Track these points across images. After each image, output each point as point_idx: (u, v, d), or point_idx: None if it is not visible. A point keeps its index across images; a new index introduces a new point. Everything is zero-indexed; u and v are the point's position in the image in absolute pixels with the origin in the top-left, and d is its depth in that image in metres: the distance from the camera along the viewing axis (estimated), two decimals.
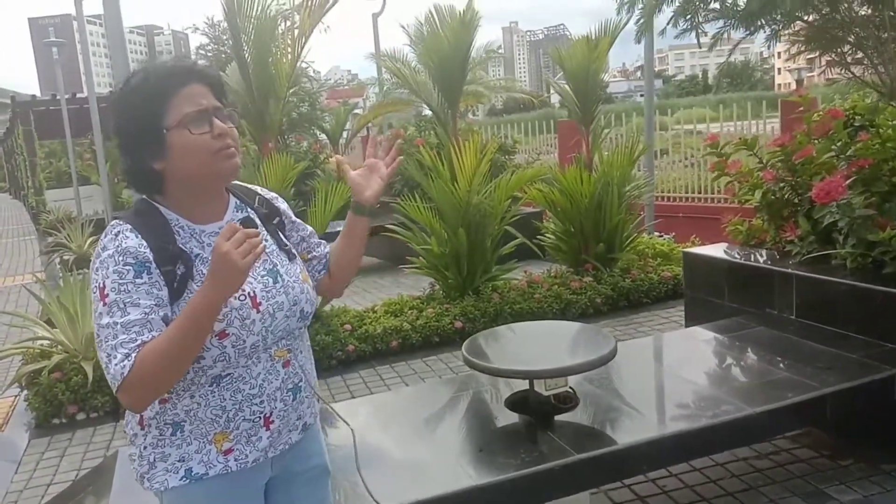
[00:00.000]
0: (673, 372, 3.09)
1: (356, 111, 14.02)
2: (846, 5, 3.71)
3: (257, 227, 1.51)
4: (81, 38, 11.10)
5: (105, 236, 1.43)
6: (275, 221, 1.64)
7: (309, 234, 1.75)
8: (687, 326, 4.48)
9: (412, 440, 2.65)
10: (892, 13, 3.67)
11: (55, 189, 16.99)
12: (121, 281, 1.36)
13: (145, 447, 1.49)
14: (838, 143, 3.80)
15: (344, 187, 5.74)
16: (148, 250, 1.39)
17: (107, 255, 1.39)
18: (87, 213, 13.75)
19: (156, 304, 1.38)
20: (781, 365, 3.01)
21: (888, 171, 3.63)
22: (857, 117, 4.11)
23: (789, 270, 3.65)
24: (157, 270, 1.39)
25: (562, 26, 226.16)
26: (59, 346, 4.60)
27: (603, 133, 6.79)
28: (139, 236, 1.40)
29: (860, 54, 3.82)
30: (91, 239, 10.34)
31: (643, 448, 2.42)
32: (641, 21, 4.10)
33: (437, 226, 5.70)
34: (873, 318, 3.21)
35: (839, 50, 3.87)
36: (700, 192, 9.47)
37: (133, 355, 1.32)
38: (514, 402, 2.83)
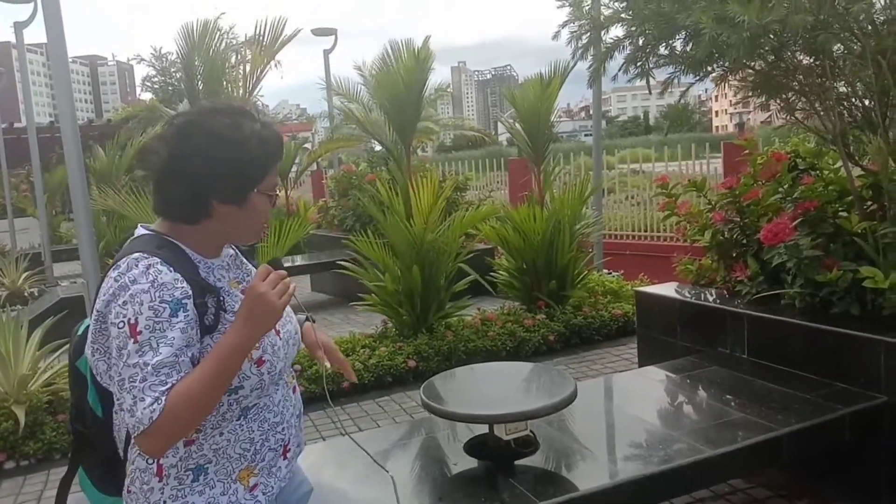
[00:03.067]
0: (630, 413, 3.07)
1: (305, 146, 13.93)
2: (790, 53, 3.84)
3: (284, 268, 1.48)
4: (21, 67, 10.77)
5: (129, 270, 1.35)
6: (249, 250, 1.70)
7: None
8: (640, 365, 4.50)
9: (367, 487, 2.55)
10: (831, 62, 3.82)
11: None
12: (156, 319, 1.31)
13: (163, 502, 1.41)
14: (785, 186, 3.90)
15: (295, 224, 5.65)
16: (186, 285, 1.36)
17: (139, 288, 1.32)
18: (23, 247, 13.20)
19: (186, 345, 1.34)
20: (736, 405, 3.02)
21: (832, 214, 3.75)
22: (799, 161, 4.25)
23: (740, 310, 3.70)
24: (193, 306, 1.36)
25: (509, 66, 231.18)
26: None
27: (554, 172, 6.87)
28: (173, 270, 1.36)
29: (804, 100, 3.96)
30: (25, 274, 9.90)
31: (604, 494, 2.37)
32: (592, 67, 4.17)
33: (390, 263, 5.63)
34: (824, 358, 3.26)
35: (784, 96, 4.00)
36: (646, 231, 9.64)
37: (163, 399, 1.27)
38: (473, 447, 2.75)
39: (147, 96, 15.96)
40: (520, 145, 6.80)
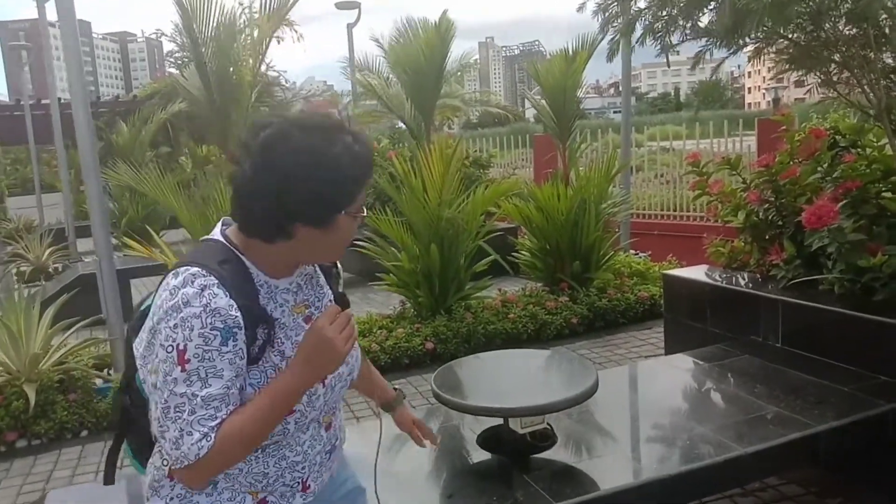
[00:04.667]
0: (656, 405, 2.89)
1: None
2: (830, 22, 3.58)
3: (349, 304, 1.42)
4: (45, 44, 10.73)
5: (184, 285, 1.25)
6: (333, 272, 1.55)
7: None
8: (667, 351, 4.32)
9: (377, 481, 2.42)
10: (876, 32, 3.56)
11: (19, 196, 16.45)
12: (206, 347, 1.23)
13: (171, 498, 1.39)
14: (824, 165, 3.66)
15: None
16: (238, 312, 1.26)
17: (190, 312, 1.23)
18: (50, 222, 13.30)
19: (236, 376, 1.26)
20: (769, 397, 2.83)
21: (875, 194, 3.51)
22: (839, 138, 4.00)
23: (775, 296, 3.50)
24: (244, 336, 1.27)
25: (537, 42, 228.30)
26: (0, 368, 4.28)
27: (580, 149, 6.64)
28: (228, 294, 1.25)
29: (846, 74, 3.70)
30: (50, 249, 9.94)
31: (627, 495, 2.21)
32: (613, 39, 3.95)
33: (408, 241, 5.48)
34: (863, 348, 3.06)
35: (824, 69, 3.75)
36: (676, 210, 9.36)
37: (213, 435, 1.22)
38: (487, 439, 2.61)
39: (173, 71, 15.86)
40: (545, 121, 6.57)
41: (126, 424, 1.45)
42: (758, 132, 8.15)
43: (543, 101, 6.51)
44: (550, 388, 2.46)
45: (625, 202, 6.83)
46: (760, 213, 3.87)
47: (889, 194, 3.51)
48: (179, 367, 1.22)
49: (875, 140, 3.89)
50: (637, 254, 7.36)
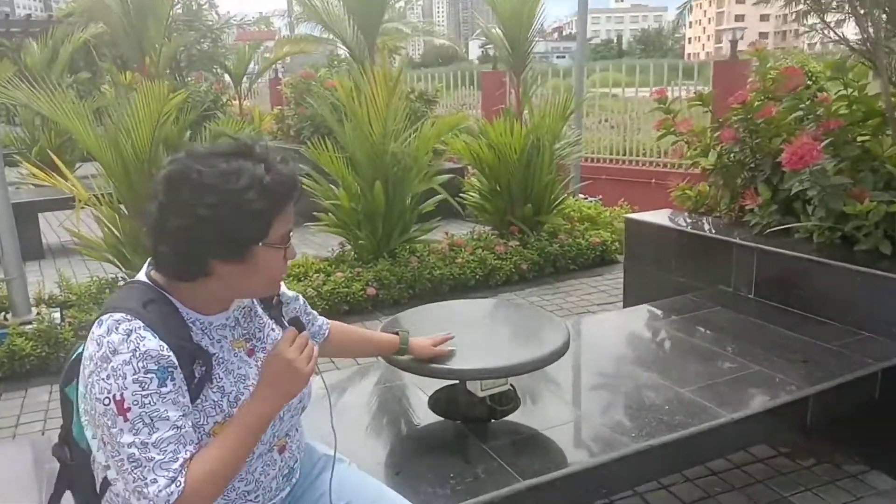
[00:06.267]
0: (626, 363, 2.59)
1: (265, 52, 12.90)
2: None
3: (304, 326, 1.41)
4: None
5: (109, 333, 1.21)
6: (274, 302, 1.51)
7: (301, 307, 1.67)
8: (626, 300, 4.05)
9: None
10: None
11: None
12: (143, 392, 1.19)
13: None
14: (807, 102, 3.37)
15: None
16: (170, 353, 1.23)
17: (120, 360, 1.19)
18: None
19: (183, 414, 1.23)
20: (749, 355, 2.57)
21: (853, 137, 3.25)
22: (814, 78, 3.72)
23: (750, 243, 3.23)
24: (181, 375, 1.24)
25: None
26: None
27: (532, 87, 6.22)
28: (156, 335, 1.22)
29: (835, 3, 3.39)
30: None
31: (606, 470, 1.91)
32: None
33: (349, 178, 5.03)
34: (847, 302, 2.82)
35: None
36: (625, 154, 9.10)
37: (181, 479, 1.18)
38: (440, 402, 2.27)
39: None
40: (498, 52, 6.12)
41: (67, 482, 1.40)
42: (714, 77, 7.88)
43: (497, 30, 6.05)
44: (515, 347, 2.11)
45: (578, 142, 6.49)
46: (733, 154, 3.58)
47: (867, 138, 3.27)
48: (122, 418, 1.18)
49: (855, 80, 3.61)
50: (587, 198, 7.08)
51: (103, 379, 1.19)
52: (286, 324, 1.46)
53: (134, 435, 1.18)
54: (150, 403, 1.19)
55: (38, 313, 4.15)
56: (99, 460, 1.31)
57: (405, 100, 4.94)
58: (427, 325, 2.24)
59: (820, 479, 2.73)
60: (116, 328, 1.21)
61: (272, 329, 1.47)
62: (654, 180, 8.36)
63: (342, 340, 1.80)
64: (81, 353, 1.30)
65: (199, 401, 1.28)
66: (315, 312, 1.73)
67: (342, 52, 7.65)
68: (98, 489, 1.36)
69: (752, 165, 3.58)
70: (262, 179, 1.25)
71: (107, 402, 1.18)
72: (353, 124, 4.91)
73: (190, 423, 1.24)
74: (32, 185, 6.50)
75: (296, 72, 10.90)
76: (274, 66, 12.29)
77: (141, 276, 1.35)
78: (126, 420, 1.18)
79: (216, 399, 1.30)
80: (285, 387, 1.31)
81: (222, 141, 1.36)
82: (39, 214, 6.72)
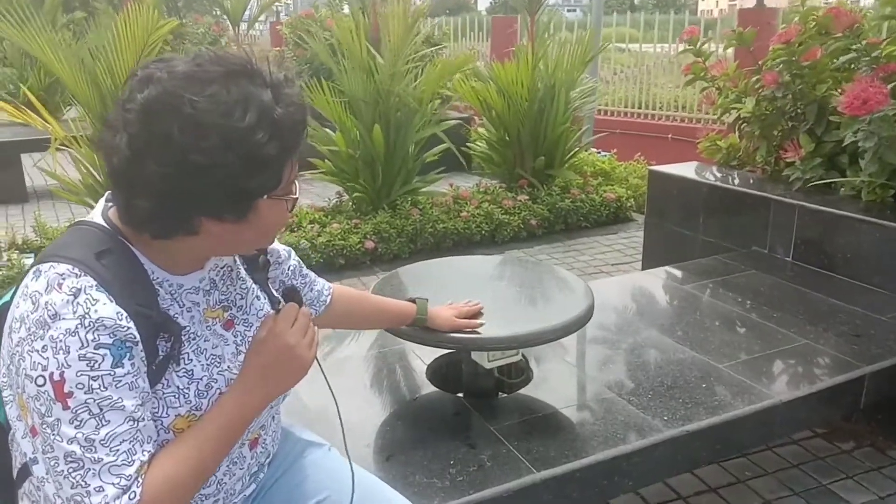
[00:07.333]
0: (653, 332, 2.28)
1: None
2: None
3: (303, 300, 1.14)
4: None
5: (49, 291, 0.90)
6: (261, 262, 1.19)
7: (296, 268, 1.35)
8: (645, 260, 3.73)
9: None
10: None
11: None
12: (92, 373, 0.89)
13: None
14: (863, 43, 2.99)
15: None
16: (131, 324, 0.92)
17: (63, 328, 0.88)
18: None
19: (141, 403, 0.94)
20: (795, 327, 2.25)
21: None
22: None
23: (790, 199, 2.89)
24: (142, 352, 0.94)
25: None
26: None
27: (547, 28, 5.79)
28: (112, 299, 0.91)
29: None
30: None
31: (633, 459, 1.61)
32: None
33: (347, 121, 4.66)
34: None
35: None
36: (640, 108, 8.68)
37: (136, 489, 0.89)
38: (439, 373, 1.97)
39: None
40: None
41: None
42: (739, 27, 7.42)
43: None
44: (530, 312, 1.80)
45: (593, 92, 6.08)
46: (776, 101, 3.21)
47: None
48: (60, 405, 0.89)
49: None
50: (600, 152, 6.70)
51: (37, 351, 0.89)
52: (273, 292, 1.18)
53: (76, 428, 0.89)
54: (99, 388, 0.90)
55: (8, 259, 3.85)
56: (20, 444, 1.00)
57: (415, 41, 4.54)
58: (429, 283, 1.93)
59: (862, 465, 2.44)
60: (59, 285, 0.91)
61: (257, 297, 1.17)
62: (671, 135, 7.99)
63: (346, 309, 1.48)
64: (7, 302, 1.00)
65: (159, 386, 1.00)
66: (313, 274, 1.42)
67: None
68: (14, 475, 1.05)
69: (794, 114, 3.22)
70: (271, 112, 0.94)
71: (41, 381, 0.89)
72: (352, 64, 4.52)
73: (149, 415, 0.97)
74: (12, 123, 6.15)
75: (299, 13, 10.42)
76: (276, 7, 11.78)
77: (95, 215, 1.03)
78: (66, 408, 0.89)
79: (181, 386, 1.01)
80: (280, 378, 1.04)
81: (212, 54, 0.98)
82: (23, 156, 6.37)
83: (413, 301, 1.61)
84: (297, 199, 1.05)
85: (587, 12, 8.42)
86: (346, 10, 6.61)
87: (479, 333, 1.62)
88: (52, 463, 0.91)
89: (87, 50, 3.97)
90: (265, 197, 0.98)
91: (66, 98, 8.78)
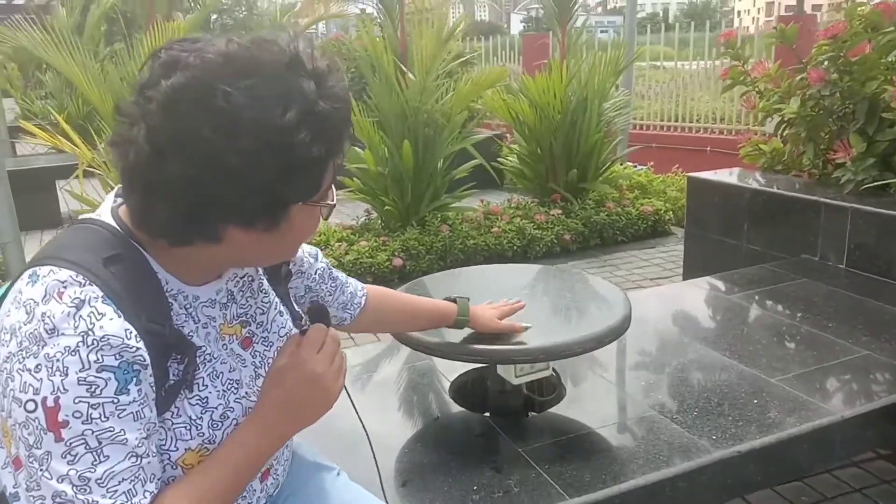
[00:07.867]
0: (696, 344, 2.11)
1: (298, 19, 12.53)
2: None
3: (330, 320, 1.01)
4: None
5: (47, 300, 0.77)
6: (283, 272, 1.08)
7: (324, 272, 1.23)
8: (686, 273, 3.54)
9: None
10: None
11: None
12: (92, 400, 0.75)
13: None
14: None
15: None
16: (139, 342, 0.78)
17: (61, 347, 0.75)
18: None
19: (146, 437, 0.80)
20: (853, 338, 2.06)
21: None
22: None
23: (842, 203, 2.70)
24: (150, 376, 0.80)
25: None
26: None
27: (578, 39, 5.67)
28: (121, 314, 0.78)
29: None
30: None
31: (679, 484, 1.45)
32: None
33: (375, 138, 4.59)
34: None
35: None
36: (677, 121, 8.48)
37: None
38: (463, 390, 1.83)
39: None
40: (544, 4, 5.57)
41: None
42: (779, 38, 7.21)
43: None
44: (561, 321, 1.65)
45: (628, 103, 5.93)
46: (823, 100, 3.02)
47: None
48: (52, 436, 0.75)
49: None
50: (636, 166, 6.53)
51: (30, 370, 0.76)
52: (295, 307, 1.07)
53: (69, 464, 0.76)
54: (99, 418, 0.77)
55: None
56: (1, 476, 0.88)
57: (448, 55, 4.47)
58: (455, 292, 1.79)
59: None
60: (59, 294, 0.78)
61: (279, 312, 1.04)
62: (709, 148, 7.77)
63: (382, 310, 1.35)
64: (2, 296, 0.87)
65: (168, 415, 0.86)
66: (343, 275, 1.29)
67: (370, 8, 7.21)
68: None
69: (843, 113, 3.03)
70: (314, 108, 0.80)
71: (31, 406, 0.76)
72: (382, 79, 4.46)
73: (154, 449, 0.83)
74: (47, 150, 6.24)
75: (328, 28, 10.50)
76: (308, 32, 11.97)
77: (104, 213, 0.89)
78: (59, 439, 0.76)
79: (194, 416, 0.88)
80: (303, 412, 0.92)
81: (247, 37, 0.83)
82: (58, 182, 6.44)
83: (454, 301, 1.47)
84: (334, 205, 0.92)
85: (619, 32, 8.29)
86: (378, 31, 6.61)
87: (503, 344, 1.49)
88: (38, 503, 0.78)
89: (119, 77, 4.00)
90: (300, 203, 0.86)
91: (103, 126, 8.98)
